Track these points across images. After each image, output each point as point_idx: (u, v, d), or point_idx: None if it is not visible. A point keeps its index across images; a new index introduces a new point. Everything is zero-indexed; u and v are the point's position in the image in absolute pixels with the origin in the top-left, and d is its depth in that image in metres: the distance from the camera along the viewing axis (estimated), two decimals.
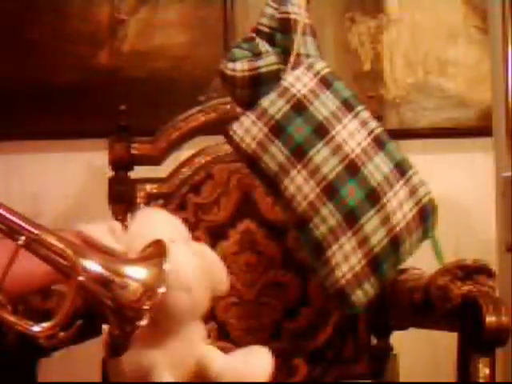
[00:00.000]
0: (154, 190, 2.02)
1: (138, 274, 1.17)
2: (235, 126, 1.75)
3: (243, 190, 2.01)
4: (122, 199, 2.01)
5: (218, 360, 1.48)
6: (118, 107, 2.06)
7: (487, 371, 1.59)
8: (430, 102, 2.46)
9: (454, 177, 2.45)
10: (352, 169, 1.68)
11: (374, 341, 2.01)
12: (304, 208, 1.69)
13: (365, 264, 1.68)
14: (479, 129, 2.42)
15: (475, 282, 1.65)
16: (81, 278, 1.13)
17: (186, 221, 1.93)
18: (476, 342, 1.60)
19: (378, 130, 1.73)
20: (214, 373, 1.48)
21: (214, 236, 1.99)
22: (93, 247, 1.39)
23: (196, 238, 1.93)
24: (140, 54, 2.41)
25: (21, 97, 2.39)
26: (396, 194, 1.70)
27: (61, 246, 1.13)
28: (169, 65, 2.41)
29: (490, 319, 1.56)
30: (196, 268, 1.53)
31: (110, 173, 2.04)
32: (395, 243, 1.69)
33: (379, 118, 2.08)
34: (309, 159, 1.69)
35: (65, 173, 2.41)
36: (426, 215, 1.73)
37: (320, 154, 1.69)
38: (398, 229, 1.69)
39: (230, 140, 1.77)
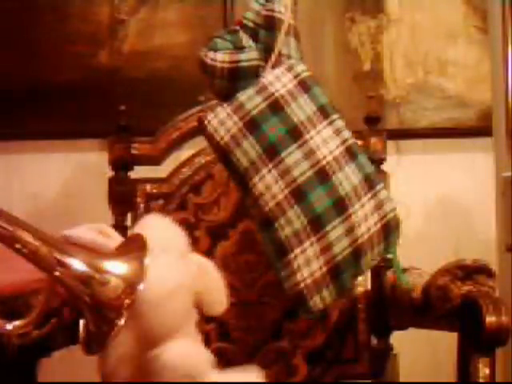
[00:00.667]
0: (154, 190, 2.02)
1: (118, 269, 1.13)
2: (210, 116, 1.74)
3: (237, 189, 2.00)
4: (122, 199, 2.01)
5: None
6: (117, 107, 2.06)
7: (487, 371, 1.59)
8: (430, 102, 2.46)
9: (455, 177, 2.45)
10: (322, 175, 1.67)
11: (374, 341, 2.01)
12: (271, 208, 1.68)
13: (325, 271, 1.67)
14: (479, 129, 2.42)
15: (475, 282, 1.65)
16: (57, 274, 1.10)
17: (185, 221, 1.94)
18: (476, 342, 1.60)
19: (351, 141, 1.72)
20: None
21: (214, 236, 1.99)
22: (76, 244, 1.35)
23: (196, 238, 1.93)
24: (140, 54, 2.41)
25: (21, 97, 2.39)
26: (363, 206, 1.69)
27: (36, 242, 1.10)
28: (169, 65, 2.41)
29: (490, 319, 1.56)
30: (176, 283, 1.40)
31: (110, 173, 2.04)
32: (357, 254, 1.69)
33: (379, 118, 2.09)
34: (280, 160, 1.68)
35: (65, 173, 2.41)
36: (389, 231, 1.73)
37: (292, 156, 1.68)
38: (361, 240, 1.69)
39: (204, 129, 1.75)
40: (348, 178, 1.69)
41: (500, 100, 2.31)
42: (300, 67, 1.75)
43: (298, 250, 1.67)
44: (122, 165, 2.03)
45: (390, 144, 2.14)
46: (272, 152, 1.68)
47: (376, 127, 2.07)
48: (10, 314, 1.24)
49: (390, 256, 1.77)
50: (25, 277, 1.19)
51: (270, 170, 1.68)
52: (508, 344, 1.60)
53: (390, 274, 1.93)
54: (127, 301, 1.11)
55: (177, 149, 2.07)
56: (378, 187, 1.72)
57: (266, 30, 1.75)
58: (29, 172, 2.41)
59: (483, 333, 1.56)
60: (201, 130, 1.77)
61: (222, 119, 1.72)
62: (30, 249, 1.08)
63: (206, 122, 1.74)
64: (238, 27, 1.78)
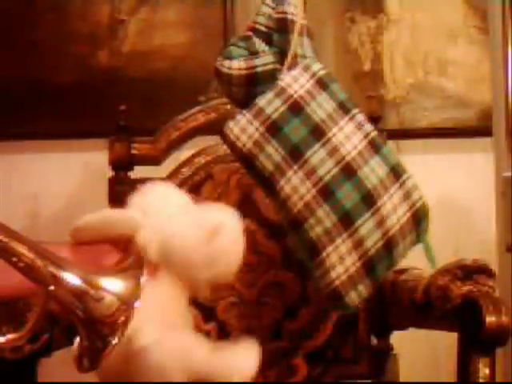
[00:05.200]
0: None
1: (114, 286, 1.10)
2: (231, 125, 1.74)
3: (243, 190, 2.01)
4: (122, 199, 2.00)
5: (202, 349, 1.37)
6: (117, 107, 2.06)
7: (487, 371, 1.59)
8: (430, 102, 2.46)
9: (454, 177, 2.45)
10: (348, 171, 1.68)
11: (374, 341, 2.01)
12: (299, 209, 1.68)
13: (359, 266, 1.68)
14: (479, 129, 2.42)
15: (475, 282, 1.65)
16: (51, 288, 1.08)
17: None
18: (476, 342, 1.60)
19: (374, 134, 1.73)
20: (198, 363, 1.36)
21: None
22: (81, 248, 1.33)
23: None
24: (140, 54, 2.41)
25: (21, 97, 2.39)
26: (391, 198, 1.70)
27: (31, 255, 1.09)
28: (169, 65, 2.41)
29: (490, 319, 1.56)
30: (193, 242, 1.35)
31: (110, 173, 2.04)
32: (389, 246, 1.69)
33: (379, 118, 2.09)
34: (305, 160, 1.68)
35: (65, 173, 2.41)
36: (419, 219, 1.73)
37: (316, 155, 1.68)
38: (392, 232, 1.69)
39: (225, 138, 1.76)
40: (374, 170, 1.69)
41: (500, 100, 2.31)
42: (316, 66, 1.75)
43: (330, 248, 1.67)
44: (122, 165, 2.03)
45: (390, 144, 2.14)
46: (296, 153, 1.68)
47: (376, 127, 2.07)
48: (10, 316, 1.24)
49: (422, 244, 1.77)
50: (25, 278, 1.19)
51: (295, 172, 1.68)
52: (508, 344, 1.61)
53: (390, 273, 1.93)
54: (122, 318, 1.09)
55: (177, 149, 2.07)
56: (405, 177, 1.73)
57: (279, 32, 1.75)
58: (29, 172, 2.41)
59: (483, 333, 1.56)
60: (223, 139, 1.77)
61: (242, 126, 1.72)
62: (25, 261, 1.07)
63: (227, 131, 1.74)
64: (250, 33, 1.78)
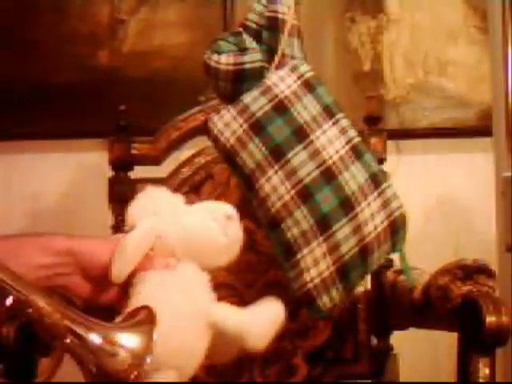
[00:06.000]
0: None
1: (129, 342, 1.11)
2: (215, 119, 1.73)
3: (243, 190, 2.00)
4: (122, 199, 2.00)
5: (233, 318, 1.42)
6: (117, 107, 2.06)
7: (487, 371, 1.59)
8: (430, 102, 2.46)
9: (454, 177, 2.45)
10: (328, 175, 1.67)
11: (374, 341, 2.01)
12: (278, 209, 1.68)
13: (333, 270, 1.67)
14: (479, 129, 2.42)
15: (475, 282, 1.65)
16: (67, 341, 1.09)
17: None
18: (476, 342, 1.60)
19: (357, 140, 1.72)
20: (231, 330, 1.40)
21: None
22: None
23: None
24: (140, 54, 2.41)
25: (21, 97, 2.39)
26: (369, 205, 1.69)
27: (49, 308, 1.10)
28: (169, 65, 2.41)
29: (490, 319, 1.56)
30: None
31: (110, 173, 2.04)
32: (364, 253, 1.68)
33: (379, 118, 2.09)
34: (286, 161, 1.67)
35: (65, 173, 2.41)
36: (396, 228, 1.72)
37: (298, 157, 1.67)
38: (368, 239, 1.68)
39: (209, 132, 1.75)
40: (354, 177, 1.68)
41: (500, 100, 2.31)
42: (304, 67, 1.75)
43: (305, 251, 1.67)
44: (122, 165, 2.03)
45: (390, 144, 2.14)
46: (278, 153, 1.68)
47: (376, 127, 2.07)
48: (11, 317, 1.24)
49: (397, 254, 1.77)
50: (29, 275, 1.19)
51: (276, 172, 1.68)
52: (508, 344, 1.60)
53: (390, 273, 1.94)
54: (134, 374, 1.09)
55: (177, 149, 2.07)
56: (384, 185, 1.72)
57: (270, 31, 1.75)
58: (29, 172, 2.41)
59: (483, 333, 1.56)
60: (207, 132, 1.77)
61: (227, 122, 1.72)
62: (42, 314, 1.09)
63: (211, 125, 1.74)
64: (241, 29, 1.77)
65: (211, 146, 2.04)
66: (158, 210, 1.41)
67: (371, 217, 1.68)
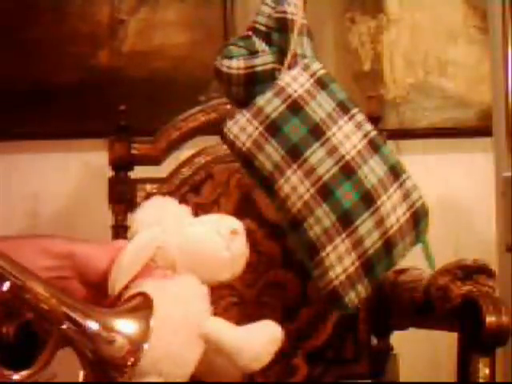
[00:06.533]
0: (154, 190, 2.02)
1: (126, 328, 1.10)
2: (230, 124, 1.74)
3: (243, 190, 2.01)
4: (122, 199, 2.01)
5: (228, 332, 1.40)
6: (117, 107, 2.06)
7: (487, 371, 1.59)
8: (430, 102, 2.46)
9: (454, 177, 2.45)
10: (347, 171, 1.67)
11: (374, 341, 2.01)
12: (298, 208, 1.68)
13: (358, 266, 1.67)
14: (479, 129, 2.42)
15: (475, 282, 1.65)
16: (63, 327, 1.08)
17: None
18: (476, 342, 1.60)
19: (373, 133, 1.72)
20: (226, 344, 1.39)
21: None
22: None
23: None
24: (140, 54, 2.41)
25: (21, 97, 2.39)
26: (390, 198, 1.69)
27: (46, 294, 1.09)
28: (169, 65, 2.41)
29: (490, 319, 1.56)
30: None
31: (110, 173, 2.04)
32: (388, 246, 1.69)
33: (379, 118, 2.09)
34: (304, 159, 1.68)
35: (65, 173, 2.41)
36: (418, 219, 1.72)
37: (316, 154, 1.68)
38: (391, 232, 1.68)
39: (224, 138, 1.76)
40: (373, 170, 1.68)
41: (500, 100, 2.31)
42: (315, 65, 1.75)
43: (329, 248, 1.67)
44: (122, 165, 2.03)
45: (390, 144, 2.14)
46: (295, 153, 1.68)
47: (376, 127, 2.07)
48: (8, 315, 1.24)
49: (422, 244, 1.76)
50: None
51: (294, 171, 1.68)
52: (508, 344, 1.61)
53: (390, 273, 1.94)
54: (131, 360, 1.08)
55: (177, 149, 2.07)
56: (404, 176, 1.72)
57: (279, 32, 1.75)
58: (29, 172, 2.41)
59: (483, 333, 1.56)
60: (222, 139, 1.77)
61: (242, 126, 1.72)
62: (39, 299, 1.08)
63: (226, 130, 1.74)
64: (250, 32, 1.77)
65: (211, 145, 2.05)
66: (162, 220, 1.40)
67: (393, 209, 1.69)
